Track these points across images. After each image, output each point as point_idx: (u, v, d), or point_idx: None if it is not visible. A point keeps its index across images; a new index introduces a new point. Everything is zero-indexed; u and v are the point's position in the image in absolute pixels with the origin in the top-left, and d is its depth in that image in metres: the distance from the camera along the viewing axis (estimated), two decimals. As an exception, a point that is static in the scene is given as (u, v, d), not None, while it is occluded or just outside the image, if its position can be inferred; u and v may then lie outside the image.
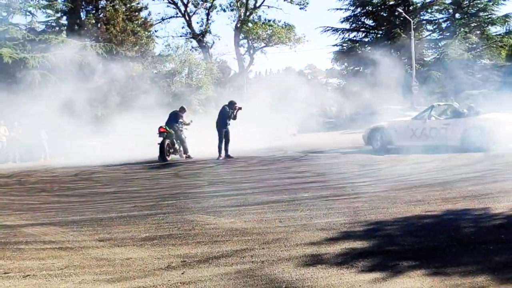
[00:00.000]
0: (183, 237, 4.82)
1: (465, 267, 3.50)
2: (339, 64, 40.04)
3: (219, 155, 14.34)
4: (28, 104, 22.90)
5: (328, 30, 38.10)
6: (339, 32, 38.14)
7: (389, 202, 5.96)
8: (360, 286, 3.30)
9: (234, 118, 14.70)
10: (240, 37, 36.24)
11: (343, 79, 40.06)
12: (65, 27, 29.70)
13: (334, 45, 39.32)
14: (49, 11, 27.95)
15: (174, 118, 14.93)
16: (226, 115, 14.56)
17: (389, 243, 4.27)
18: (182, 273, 3.71)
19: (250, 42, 36.54)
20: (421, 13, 37.43)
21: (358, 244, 4.21)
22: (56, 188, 9.92)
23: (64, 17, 29.74)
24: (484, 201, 5.73)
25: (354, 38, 38.45)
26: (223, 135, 14.49)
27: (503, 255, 3.77)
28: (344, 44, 38.74)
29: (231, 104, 14.74)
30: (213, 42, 36.84)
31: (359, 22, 38.33)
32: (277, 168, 11.09)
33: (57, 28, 29.91)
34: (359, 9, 38.30)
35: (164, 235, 4.93)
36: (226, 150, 14.54)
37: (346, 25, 38.63)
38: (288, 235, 4.63)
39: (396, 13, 35.44)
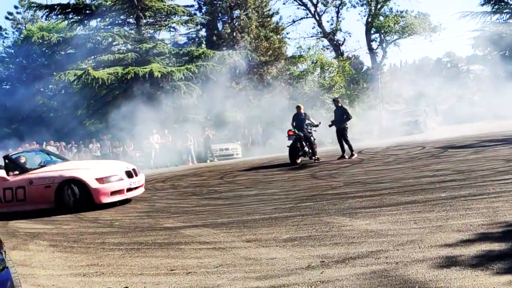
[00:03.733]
0: (321, 238, 5.18)
1: None
2: (481, 49, 37.51)
3: (351, 154, 14.67)
4: (176, 113, 25.08)
5: (467, 15, 35.87)
6: (480, 16, 35.71)
7: (533, 202, 5.74)
8: (494, 288, 3.38)
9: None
10: (372, 32, 35.66)
11: (487, 65, 37.44)
12: (204, 39, 31.84)
13: (474, 30, 36.95)
14: (190, 25, 30.21)
15: (300, 120, 14.88)
16: (342, 114, 14.85)
17: (529, 245, 4.21)
18: (321, 273, 4.08)
19: (382, 35, 35.74)
20: None
21: (495, 246, 4.22)
22: (205, 191, 10.90)
23: (203, 29, 31.93)
24: None
25: (497, 21, 35.73)
26: (342, 134, 14.79)
27: None
28: (486, 28, 36.19)
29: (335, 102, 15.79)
30: (344, 39, 36.69)
31: (502, 3, 35.51)
32: (414, 166, 10.95)
33: (197, 40, 32.22)
34: (501, -11, 35.52)
35: (303, 236, 5.33)
36: (346, 148, 14.78)
37: (487, 8, 36.04)
38: (422, 237, 4.76)
39: (547, -12, 32.25)
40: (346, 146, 14.85)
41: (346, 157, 14.61)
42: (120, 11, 27.59)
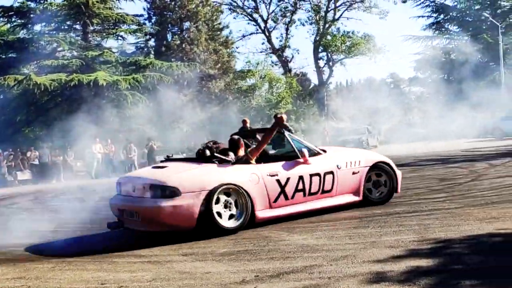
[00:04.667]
0: (258, 252, 5.18)
1: (527, 287, 3.56)
2: (422, 72, 39.14)
3: None
4: (120, 123, 24.60)
5: (410, 38, 37.45)
6: (421, 40, 37.37)
7: (462, 219, 5.98)
8: (419, 303, 3.48)
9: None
10: (319, 50, 36.51)
11: (427, 88, 39.05)
12: (153, 49, 31.57)
13: (416, 54, 38.58)
14: (138, 34, 29.88)
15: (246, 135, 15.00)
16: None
17: (455, 261, 4.37)
18: (254, 287, 4.07)
19: (329, 54, 36.68)
20: (510, 16, 35.76)
21: (423, 262, 4.35)
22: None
23: (152, 39, 31.65)
24: (562, 219, 5.61)
25: (438, 45, 37.49)
26: None
27: None
28: (428, 52, 37.86)
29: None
30: (293, 56, 37.38)
31: (443, 29, 37.36)
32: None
33: (145, 50, 31.90)
34: (442, 16, 37.37)
35: (240, 251, 5.32)
36: None
37: (429, 33, 37.84)
38: (356, 252, 4.85)
39: (483, 18, 34.11)
40: None
41: None
42: (66, 17, 26.95)
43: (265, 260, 4.85)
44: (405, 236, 5.37)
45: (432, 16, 37.68)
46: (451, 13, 37.34)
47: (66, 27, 27.89)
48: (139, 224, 6.20)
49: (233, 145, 6.92)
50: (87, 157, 22.28)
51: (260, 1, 36.58)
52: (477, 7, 36.19)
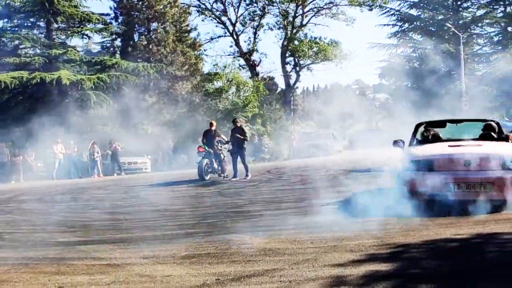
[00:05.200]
0: (220, 256, 5.16)
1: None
2: (387, 79, 39.81)
3: (246, 175, 14.67)
4: (83, 123, 24.14)
5: (375, 46, 38.05)
6: (386, 47, 38.03)
7: (421, 225, 6.11)
8: (377, 307, 3.53)
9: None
10: (287, 55, 36.64)
11: (391, 95, 39.76)
12: (119, 49, 31.07)
13: (381, 61, 39.20)
14: (104, 33, 29.36)
15: (210, 136, 14.83)
16: (240, 134, 14.73)
17: (412, 266, 4.46)
18: (214, 291, 4.05)
19: (296, 59, 36.82)
20: (471, 27, 36.82)
21: (382, 267, 4.42)
22: (107, 205, 10.53)
23: (119, 39, 31.14)
24: (516, 224, 5.80)
25: (402, 54, 38.23)
26: (239, 155, 14.78)
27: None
28: (392, 60, 38.54)
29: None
30: (260, 60, 37.31)
31: (407, 38, 38.13)
32: (318, 187, 11.27)
33: (111, 49, 31.37)
34: (406, 24, 38.12)
35: (202, 254, 5.29)
36: (239, 168, 14.80)
37: (394, 41, 38.54)
38: (317, 256, 4.89)
39: (445, 28, 34.98)
40: (239, 167, 14.72)
41: (232, 179, 14.35)
42: (29, 13, 26.29)
43: (227, 264, 4.83)
44: (365, 240, 5.44)
45: (397, 25, 38.37)
46: (415, 22, 38.13)
47: (29, 24, 27.19)
48: (491, 195, 6.70)
49: (493, 129, 8.03)
50: (48, 157, 21.77)
51: (228, 4, 36.52)
52: (440, 17, 37.08)
